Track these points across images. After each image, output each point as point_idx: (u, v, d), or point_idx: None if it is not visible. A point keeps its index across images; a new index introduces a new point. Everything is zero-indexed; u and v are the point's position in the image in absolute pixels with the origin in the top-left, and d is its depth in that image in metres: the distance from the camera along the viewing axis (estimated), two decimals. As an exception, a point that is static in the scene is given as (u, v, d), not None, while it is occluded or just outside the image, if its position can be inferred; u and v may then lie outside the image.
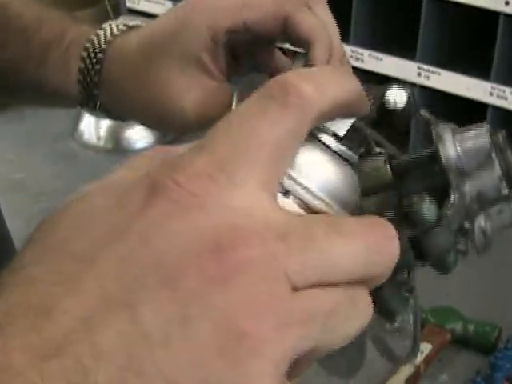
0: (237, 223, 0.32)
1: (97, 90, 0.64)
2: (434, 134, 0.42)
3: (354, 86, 0.37)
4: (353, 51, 1.99)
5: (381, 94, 0.45)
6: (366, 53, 1.98)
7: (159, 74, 0.61)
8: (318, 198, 0.36)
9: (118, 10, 2.44)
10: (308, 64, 0.55)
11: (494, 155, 0.41)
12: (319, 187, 0.37)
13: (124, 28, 0.64)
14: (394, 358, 0.46)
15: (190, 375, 0.31)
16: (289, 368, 0.33)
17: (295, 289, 0.32)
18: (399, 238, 0.35)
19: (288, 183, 0.36)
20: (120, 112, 0.65)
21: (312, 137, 0.37)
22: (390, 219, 0.36)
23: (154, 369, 0.31)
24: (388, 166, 0.42)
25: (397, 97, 0.46)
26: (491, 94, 1.75)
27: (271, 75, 0.42)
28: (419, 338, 0.47)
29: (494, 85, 1.74)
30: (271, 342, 0.31)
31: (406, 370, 1.34)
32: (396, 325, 0.45)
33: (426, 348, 1.38)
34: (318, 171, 0.37)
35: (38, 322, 0.31)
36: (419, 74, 1.91)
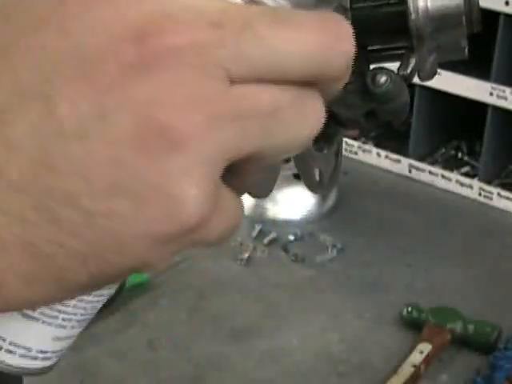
0: (165, 9, 0.29)
1: None
2: None
3: None
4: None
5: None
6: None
7: None
8: None
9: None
10: None
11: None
12: None
13: None
14: (313, 184, 0.44)
15: (105, 172, 0.29)
16: (231, 175, 0.31)
17: (232, 82, 0.29)
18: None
19: None
20: None
21: None
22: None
23: (68, 164, 0.28)
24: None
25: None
26: (491, 93, 1.75)
27: None
28: (339, 169, 0.45)
29: (494, 85, 1.74)
30: (197, 137, 0.29)
31: (406, 370, 1.34)
32: (325, 151, 0.43)
33: (425, 348, 1.38)
34: None
35: None
36: (419, 74, 1.91)
